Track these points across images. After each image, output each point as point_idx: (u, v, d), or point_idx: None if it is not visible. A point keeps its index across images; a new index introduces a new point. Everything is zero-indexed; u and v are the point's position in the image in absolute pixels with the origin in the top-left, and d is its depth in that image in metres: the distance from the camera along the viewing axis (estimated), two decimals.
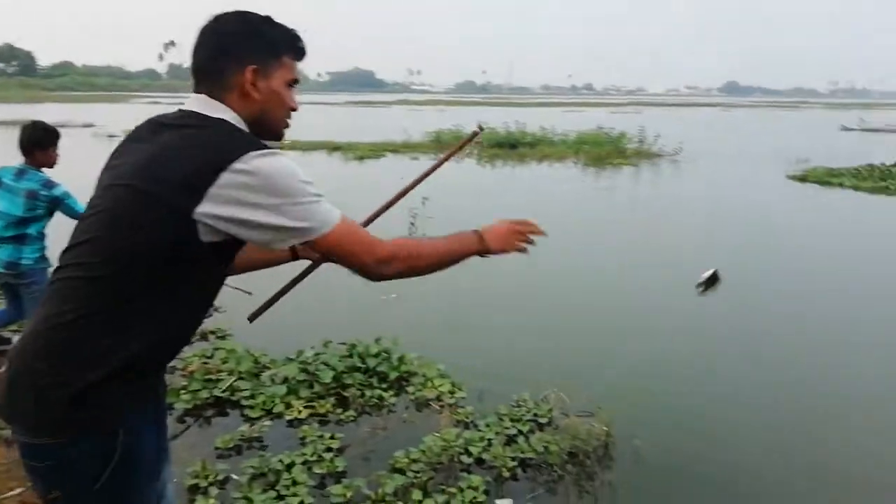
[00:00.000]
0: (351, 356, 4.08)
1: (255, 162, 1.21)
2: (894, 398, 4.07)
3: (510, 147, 20.11)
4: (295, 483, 2.89)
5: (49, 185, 3.61)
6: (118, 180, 1.26)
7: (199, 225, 1.21)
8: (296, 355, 4.11)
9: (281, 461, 3.04)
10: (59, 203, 3.62)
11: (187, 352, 4.17)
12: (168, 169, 1.21)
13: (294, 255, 1.72)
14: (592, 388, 3.87)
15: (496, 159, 18.06)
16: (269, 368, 4.01)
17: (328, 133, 23.38)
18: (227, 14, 1.37)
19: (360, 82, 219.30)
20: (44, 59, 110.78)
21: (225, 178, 1.19)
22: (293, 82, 1.43)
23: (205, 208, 1.20)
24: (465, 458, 3.13)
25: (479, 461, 3.15)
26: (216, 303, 5.90)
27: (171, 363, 1.48)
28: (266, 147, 1.26)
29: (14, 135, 3.78)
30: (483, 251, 1.58)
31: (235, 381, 3.85)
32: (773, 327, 5.27)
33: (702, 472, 3.19)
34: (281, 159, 1.25)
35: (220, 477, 2.96)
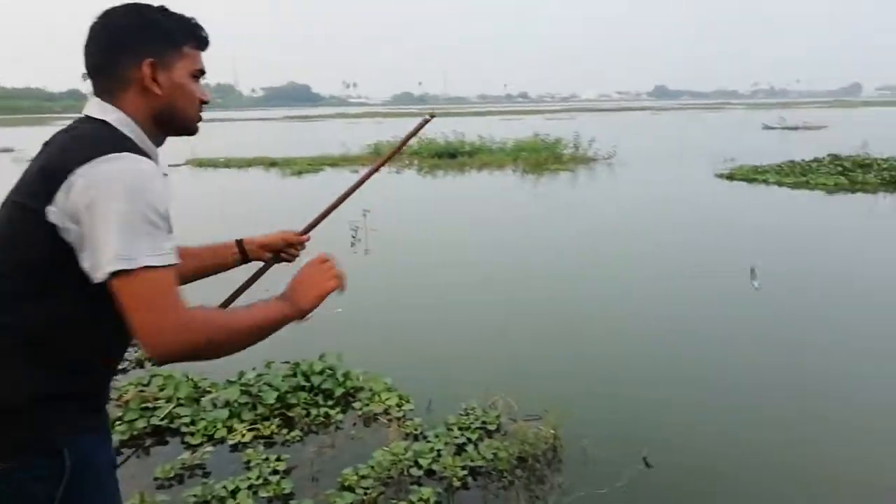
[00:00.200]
0: (295, 375, 3.99)
1: (98, 168, 1.13)
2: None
3: (450, 157, 20.23)
4: None
5: None
6: (8, 197, 1.23)
7: (60, 230, 1.15)
8: (237, 377, 4.00)
9: (225, 487, 2.95)
10: None
11: (122, 380, 4.01)
12: (35, 177, 1.19)
13: (244, 257, 1.67)
14: (539, 391, 3.91)
15: (436, 169, 18.13)
16: (209, 392, 3.89)
17: (264, 149, 23.03)
18: (117, 7, 1.29)
19: (295, 97, 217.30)
20: None
21: (68, 182, 1.13)
22: (199, 73, 1.36)
23: (53, 215, 1.14)
24: (414, 471, 3.10)
25: (430, 472, 3.13)
26: None
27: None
28: (128, 152, 1.17)
29: None
30: (296, 314, 1.34)
31: (174, 407, 3.71)
32: (710, 324, 5.45)
33: (651, 468, 3.25)
34: (128, 168, 1.15)
35: None
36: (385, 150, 20.06)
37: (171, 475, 3.15)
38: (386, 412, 3.75)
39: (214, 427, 3.53)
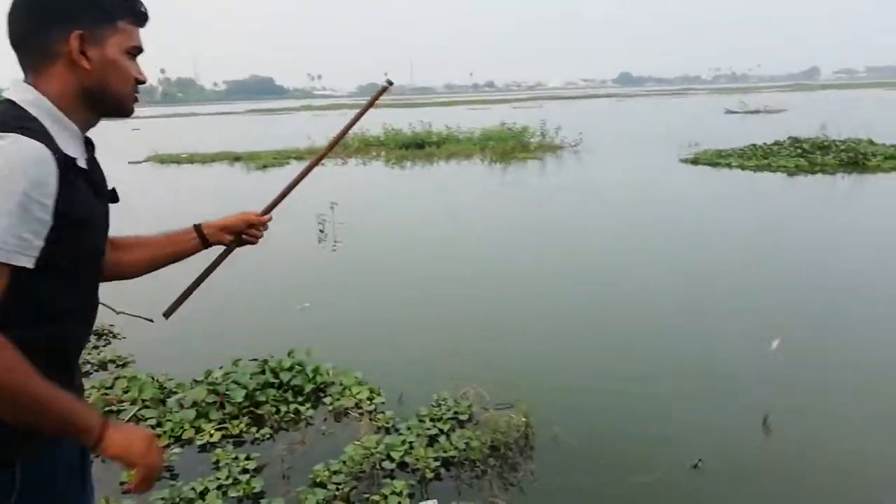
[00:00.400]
0: (263, 372, 3.93)
1: None
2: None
3: (417, 147, 20.16)
4: None
5: None
6: None
7: None
8: (204, 376, 3.93)
9: (194, 489, 2.89)
10: None
11: (84, 384, 3.90)
12: None
13: (205, 242, 1.60)
14: (510, 382, 3.91)
15: (404, 160, 18.04)
16: (175, 393, 3.81)
17: (228, 143, 22.65)
18: None
19: (259, 90, 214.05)
20: None
21: None
22: (136, 50, 1.27)
23: None
24: (387, 464, 3.08)
25: (402, 465, 3.11)
26: (115, 329, 5.50)
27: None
28: (18, 134, 1.07)
29: None
30: (95, 440, 1.16)
31: (139, 409, 3.64)
32: (678, 304, 5.52)
33: (622, 449, 3.28)
34: (5, 149, 1.04)
35: None
36: (352, 143, 19.93)
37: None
38: (357, 406, 3.72)
39: (182, 428, 3.47)
